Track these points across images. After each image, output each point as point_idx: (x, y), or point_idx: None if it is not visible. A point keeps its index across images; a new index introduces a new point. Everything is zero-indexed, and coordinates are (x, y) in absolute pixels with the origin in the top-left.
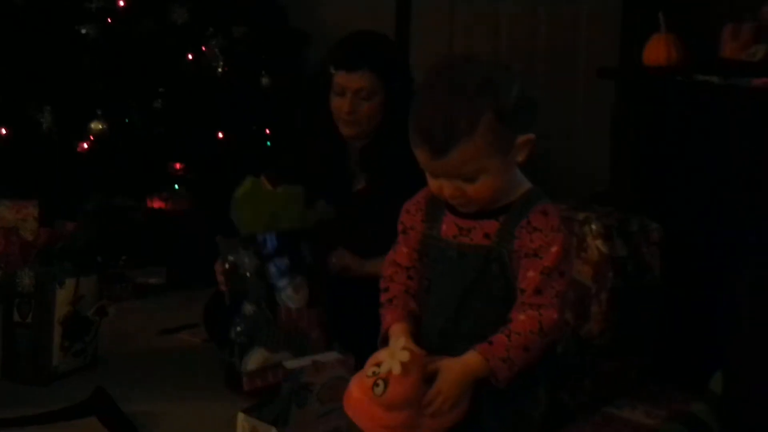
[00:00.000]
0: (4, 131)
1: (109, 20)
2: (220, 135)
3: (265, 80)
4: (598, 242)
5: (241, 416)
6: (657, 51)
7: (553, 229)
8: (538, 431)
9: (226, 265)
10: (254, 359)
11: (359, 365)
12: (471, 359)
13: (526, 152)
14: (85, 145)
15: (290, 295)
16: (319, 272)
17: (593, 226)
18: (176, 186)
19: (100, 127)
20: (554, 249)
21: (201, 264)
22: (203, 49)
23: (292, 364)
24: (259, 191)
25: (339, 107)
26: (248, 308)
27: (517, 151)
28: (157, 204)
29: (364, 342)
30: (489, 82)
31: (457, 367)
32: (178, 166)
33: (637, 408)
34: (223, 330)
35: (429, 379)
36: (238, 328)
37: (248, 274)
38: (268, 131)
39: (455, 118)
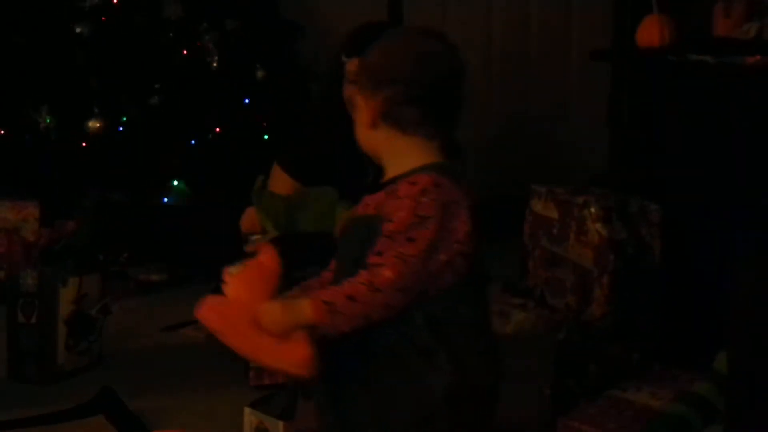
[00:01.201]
0: (1, 131)
1: (103, 18)
2: (218, 129)
3: (260, 73)
4: (598, 225)
5: (247, 410)
6: (650, 32)
7: (410, 195)
8: (444, 403)
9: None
10: None
11: None
12: (300, 297)
13: (369, 115)
14: (83, 143)
15: None
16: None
17: (592, 209)
18: (175, 181)
19: (98, 124)
20: (401, 213)
21: (202, 259)
22: (198, 44)
23: None
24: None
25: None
26: None
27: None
28: (156, 200)
29: None
30: (385, 39)
31: (287, 299)
32: (176, 161)
33: (642, 390)
34: None
35: None
36: None
37: None
38: (264, 124)
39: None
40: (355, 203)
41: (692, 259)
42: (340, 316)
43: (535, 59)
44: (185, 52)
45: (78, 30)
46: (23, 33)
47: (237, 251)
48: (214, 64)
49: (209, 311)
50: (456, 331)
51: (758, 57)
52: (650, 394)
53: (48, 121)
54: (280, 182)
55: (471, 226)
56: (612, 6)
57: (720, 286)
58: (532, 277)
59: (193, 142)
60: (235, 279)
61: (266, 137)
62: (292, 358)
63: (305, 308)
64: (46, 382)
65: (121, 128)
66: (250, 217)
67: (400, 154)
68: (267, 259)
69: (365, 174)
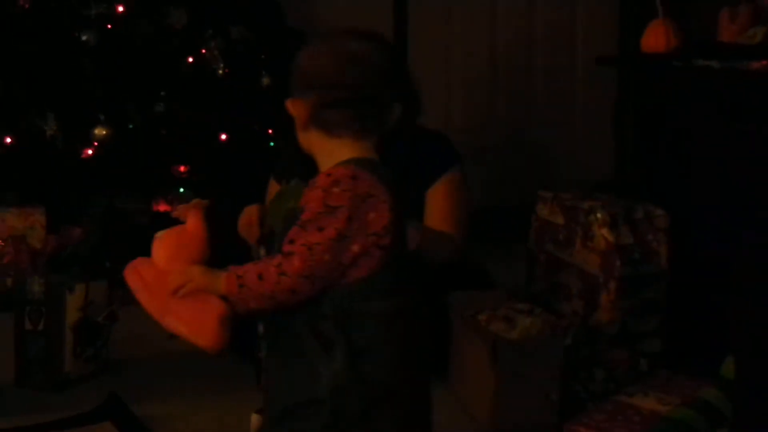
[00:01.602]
0: (8, 140)
1: (109, 26)
2: (223, 136)
3: (265, 80)
4: (604, 231)
5: (254, 417)
6: (655, 37)
7: (322, 186)
8: (328, 394)
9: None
10: None
11: None
12: (218, 270)
13: (299, 118)
14: (89, 151)
15: None
16: None
17: (599, 215)
18: (181, 189)
19: (104, 132)
20: (312, 203)
21: (208, 266)
22: (203, 51)
23: None
24: (283, 193)
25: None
26: None
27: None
28: (162, 207)
29: None
30: (313, 42)
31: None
32: (182, 168)
33: (649, 395)
34: (235, 332)
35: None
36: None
37: None
38: (270, 131)
39: None
40: None
41: (699, 265)
42: (247, 291)
43: (540, 65)
44: (190, 59)
45: (84, 38)
46: (29, 41)
47: (244, 256)
48: (220, 72)
49: (130, 270)
50: (364, 325)
51: (764, 62)
52: (657, 400)
53: (54, 128)
54: None
55: (391, 220)
56: (617, 11)
57: (727, 292)
58: (538, 282)
59: (199, 149)
60: (159, 242)
61: (272, 144)
62: (200, 328)
63: (221, 278)
64: (53, 389)
65: (127, 136)
66: (248, 217)
67: (330, 154)
68: (192, 225)
69: None
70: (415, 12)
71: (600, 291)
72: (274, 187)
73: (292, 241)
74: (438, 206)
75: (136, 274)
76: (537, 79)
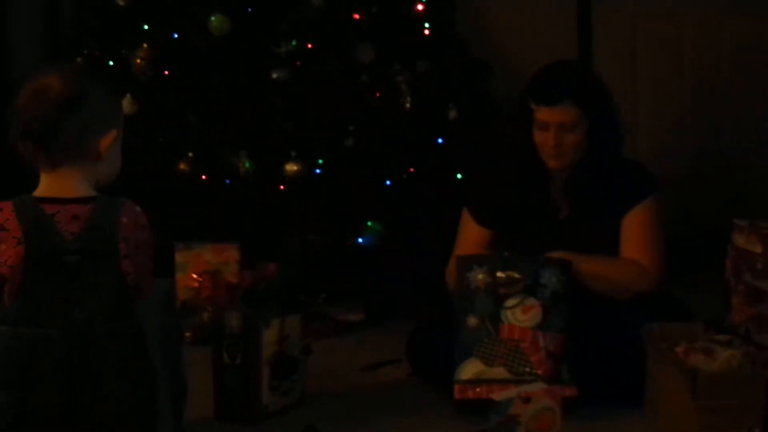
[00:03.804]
0: (203, 176)
1: (298, 62)
2: (412, 169)
3: (452, 113)
4: None
5: None
6: None
7: None
8: None
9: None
10: (468, 369)
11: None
12: None
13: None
14: (281, 186)
15: (518, 315)
16: (563, 299)
17: None
18: (369, 222)
19: (295, 167)
20: None
21: (397, 298)
22: (390, 85)
23: (499, 396)
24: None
25: (543, 141)
26: (472, 320)
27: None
28: (351, 240)
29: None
30: None
31: None
32: (371, 202)
33: None
34: (429, 363)
35: None
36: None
37: (478, 288)
38: (457, 163)
39: None
40: (548, 241)
41: None
42: None
43: (728, 88)
44: (378, 93)
45: (274, 75)
46: (223, 80)
47: (431, 291)
48: (407, 105)
49: None
50: None
51: None
52: None
53: (247, 165)
54: (468, 228)
55: (15, 256)
56: None
57: None
58: (736, 313)
59: (387, 182)
60: None
61: (459, 176)
62: None
63: None
64: (251, 422)
65: (317, 171)
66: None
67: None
68: None
69: (555, 212)
70: (600, 43)
71: None
72: (467, 219)
73: None
74: (633, 234)
75: None
76: (726, 103)
